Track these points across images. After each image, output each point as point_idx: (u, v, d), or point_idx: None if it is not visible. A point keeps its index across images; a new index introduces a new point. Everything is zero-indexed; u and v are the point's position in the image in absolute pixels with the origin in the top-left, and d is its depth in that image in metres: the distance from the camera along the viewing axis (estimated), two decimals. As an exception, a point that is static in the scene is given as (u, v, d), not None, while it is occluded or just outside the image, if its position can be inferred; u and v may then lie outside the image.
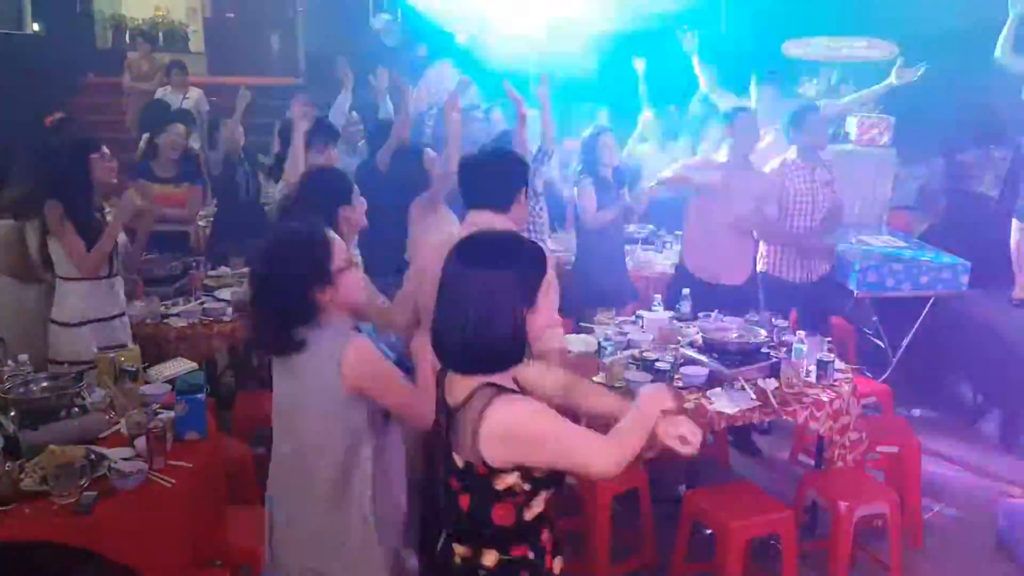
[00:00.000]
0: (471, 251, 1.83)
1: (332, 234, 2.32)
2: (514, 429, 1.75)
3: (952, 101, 6.08)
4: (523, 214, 2.91)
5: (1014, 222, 5.27)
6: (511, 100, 4.60)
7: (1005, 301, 5.29)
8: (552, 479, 1.83)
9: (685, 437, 1.86)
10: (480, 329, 1.77)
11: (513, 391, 1.82)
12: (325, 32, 8.68)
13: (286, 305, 2.20)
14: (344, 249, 2.33)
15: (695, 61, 5.86)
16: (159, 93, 8.04)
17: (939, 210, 6.28)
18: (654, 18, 6.34)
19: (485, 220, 2.71)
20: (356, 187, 3.10)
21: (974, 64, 5.34)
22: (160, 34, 11.37)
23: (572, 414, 2.06)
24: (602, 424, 2.07)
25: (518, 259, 1.82)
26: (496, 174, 2.83)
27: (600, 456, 1.81)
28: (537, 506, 1.84)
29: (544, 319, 1.89)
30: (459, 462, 1.82)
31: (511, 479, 1.78)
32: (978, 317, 5.24)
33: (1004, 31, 5.02)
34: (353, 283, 2.30)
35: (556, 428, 1.78)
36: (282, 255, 2.24)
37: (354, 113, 5.99)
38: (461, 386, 1.82)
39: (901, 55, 5.68)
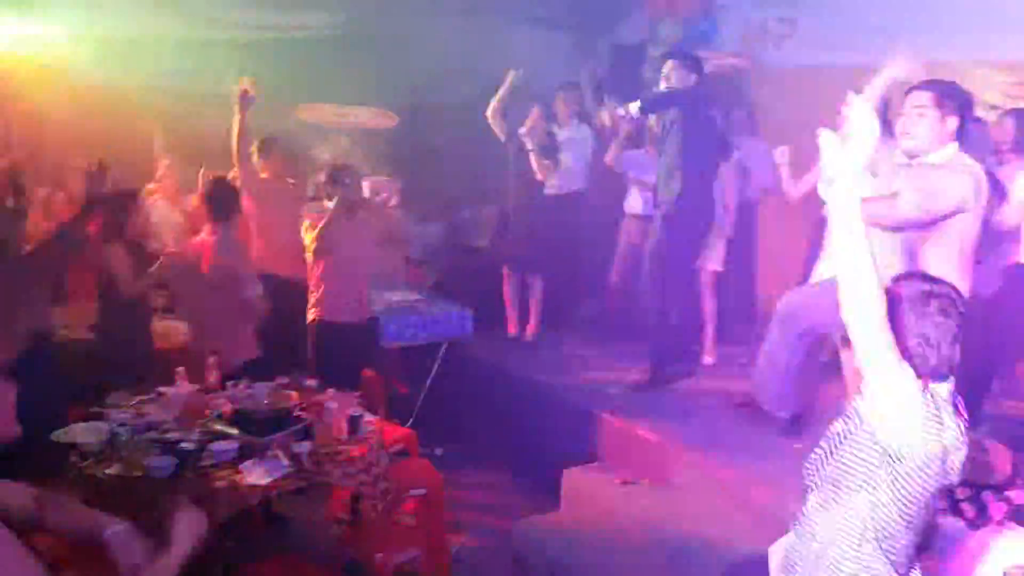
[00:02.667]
0: None
1: None
2: None
3: (451, 165, 6.83)
4: None
5: (504, 270, 6.09)
6: None
7: (503, 340, 6.07)
8: None
9: None
10: None
11: None
12: None
13: None
14: None
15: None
16: None
17: (444, 263, 6.98)
18: (166, 75, 6.08)
19: None
20: None
21: (468, 133, 6.06)
22: None
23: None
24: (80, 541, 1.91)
25: None
26: None
27: None
28: None
29: None
30: None
31: None
32: (483, 356, 5.91)
33: (497, 95, 5.80)
34: None
35: None
36: None
37: None
38: None
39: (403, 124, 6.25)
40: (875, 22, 6.01)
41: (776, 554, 3.02)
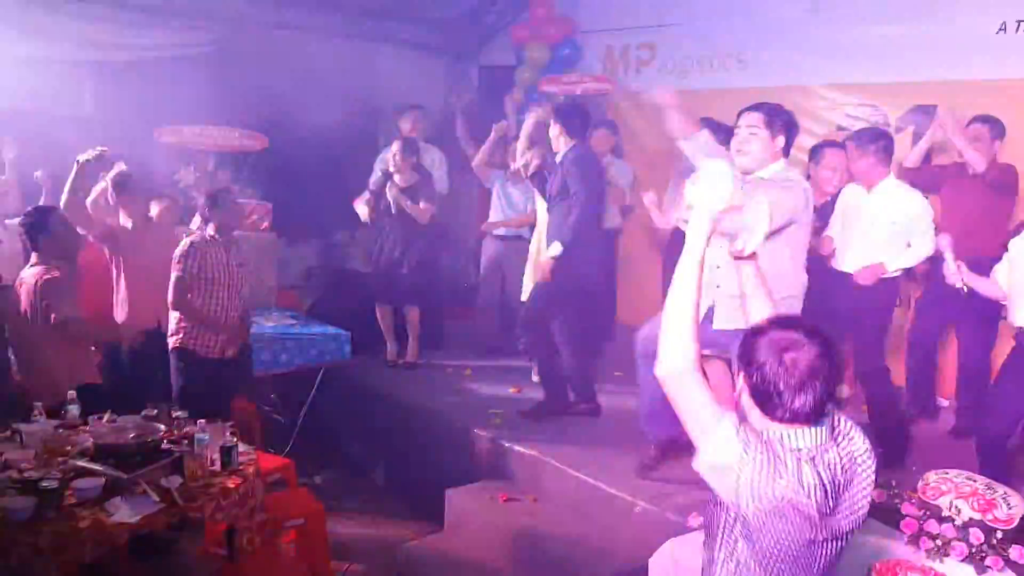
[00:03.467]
0: None
1: None
2: None
3: (322, 187, 6.73)
4: None
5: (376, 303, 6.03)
6: None
7: (382, 363, 6.01)
8: None
9: None
10: None
11: None
12: None
13: None
14: None
15: None
16: None
17: (319, 287, 6.86)
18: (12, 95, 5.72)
19: None
20: None
21: (339, 155, 5.98)
22: None
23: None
24: None
25: None
26: None
27: None
28: None
29: None
30: None
31: None
32: (362, 380, 5.83)
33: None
34: None
35: None
36: None
37: None
38: None
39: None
40: (729, 49, 6.39)
41: (656, 564, 3.12)
